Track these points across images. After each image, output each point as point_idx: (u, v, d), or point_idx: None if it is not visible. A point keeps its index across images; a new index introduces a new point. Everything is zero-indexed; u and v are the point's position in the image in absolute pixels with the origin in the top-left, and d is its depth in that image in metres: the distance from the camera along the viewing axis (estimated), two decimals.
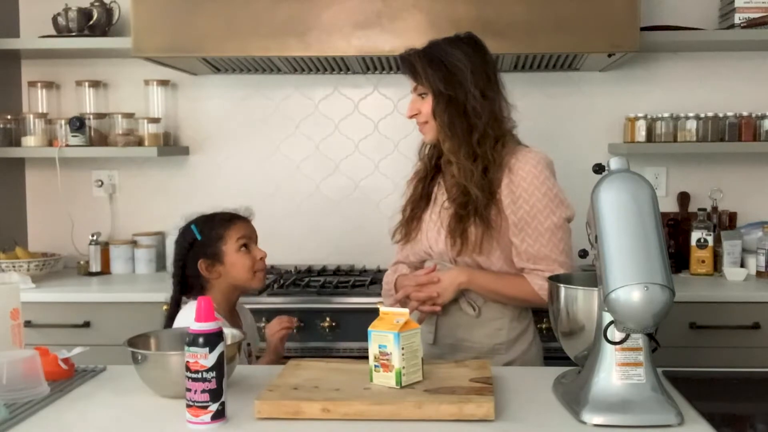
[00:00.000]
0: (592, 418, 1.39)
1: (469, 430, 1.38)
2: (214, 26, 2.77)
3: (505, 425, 1.40)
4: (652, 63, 3.20)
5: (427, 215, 2.00)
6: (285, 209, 3.28)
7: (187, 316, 1.99)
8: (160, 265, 3.26)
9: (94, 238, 3.16)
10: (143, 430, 1.43)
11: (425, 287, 1.91)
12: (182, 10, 2.78)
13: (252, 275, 1.98)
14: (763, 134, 3.01)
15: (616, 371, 1.41)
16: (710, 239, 2.99)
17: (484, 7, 2.69)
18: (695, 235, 3.00)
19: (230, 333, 1.67)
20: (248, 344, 2.03)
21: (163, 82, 3.27)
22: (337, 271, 3.13)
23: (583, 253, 1.58)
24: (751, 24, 2.92)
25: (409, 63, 1.94)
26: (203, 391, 1.38)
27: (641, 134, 3.04)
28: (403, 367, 1.52)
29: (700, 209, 3.07)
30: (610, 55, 2.82)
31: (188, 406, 1.39)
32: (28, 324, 2.63)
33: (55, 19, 3.11)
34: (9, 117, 3.19)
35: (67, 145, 3.12)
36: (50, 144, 3.16)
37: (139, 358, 1.56)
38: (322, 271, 3.13)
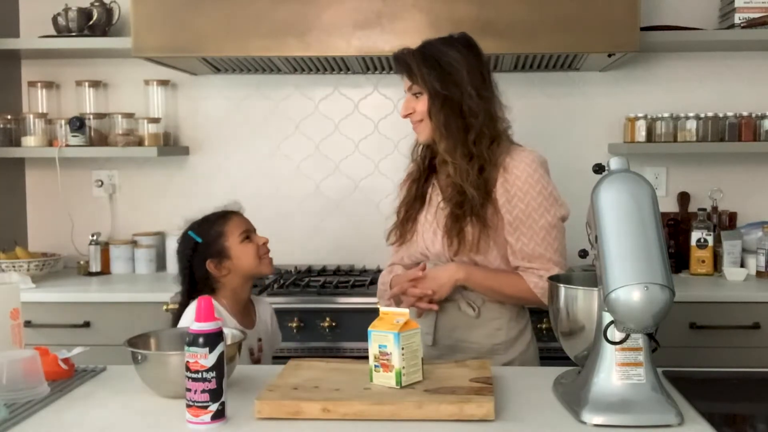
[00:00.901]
0: (592, 418, 1.39)
1: (469, 430, 1.38)
2: (214, 26, 2.77)
3: (505, 425, 1.40)
4: (652, 63, 3.20)
5: (422, 216, 1.99)
6: (285, 209, 3.28)
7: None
8: (160, 265, 3.26)
9: (94, 238, 3.16)
10: (143, 430, 1.43)
11: (420, 282, 1.90)
12: (182, 10, 2.78)
13: (259, 261, 2.02)
14: (763, 134, 3.01)
15: (616, 371, 1.41)
16: (710, 239, 2.99)
17: (484, 7, 2.69)
18: (695, 235, 3.00)
19: (230, 333, 1.67)
20: (259, 339, 2.03)
21: (163, 82, 3.27)
22: (337, 271, 3.13)
23: (583, 253, 1.58)
24: (751, 24, 2.92)
25: (404, 62, 1.94)
26: (203, 391, 1.38)
27: (641, 134, 3.04)
28: (403, 367, 1.52)
29: (700, 209, 3.07)
30: (610, 55, 2.82)
31: (188, 406, 1.39)
32: (28, 324, 2.63)
33: (55, 19, 3.11)
34: (9, 117, 3.19)
35: (67, 145, 3.12)
36: (50, 144, 3.16)
37: (139, 358, 1.56)
38: (322, 271, 3.13)
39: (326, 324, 2.65)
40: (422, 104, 1.93)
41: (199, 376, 1.38)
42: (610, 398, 1.40)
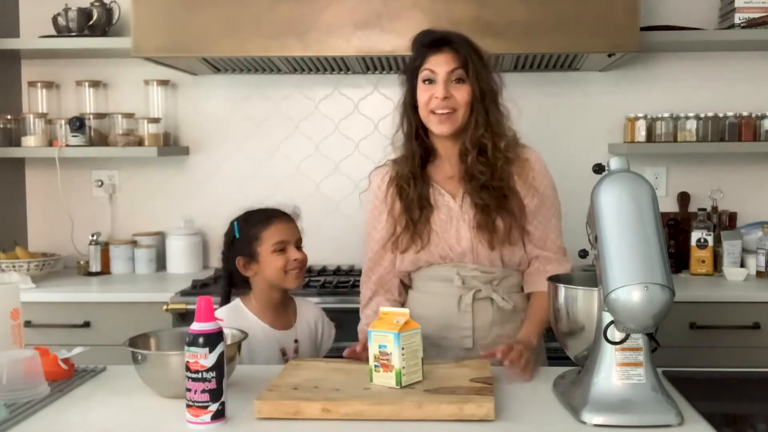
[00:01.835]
0: (592, 418, 1.39)
1: (469, 430, 1.38)
2: (214, 26, 2.77)
3: (505, 425, 1.40)
4: (652, 63, 3.20)
5: (434, 218, 1.92)
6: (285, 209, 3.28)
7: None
8: (160, 265, 3.26)
9: (94, 238, 3.16)
10: (143, 430, 1.43)
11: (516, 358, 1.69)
12: (182, 10, 2.78)
13: (284, 275, 1.97)
14: (763, 134, 3.01)
15: (616, 371, 1.41)
16: (710, 239, 2.99)
17: (484, 7, 2.69)
18: (695, 235, 3.00)
19: (230, 333, 1.67)
20: (295, 341, 2.00)
21: (163, 82, 3.27)
22: (337, 271, 3.13)
23: (583, 253, 1.59)
24: (751, 24, 2.92)
25: (460, 46, 1.87)
26: (203, 391, 1.38)
27: (641, 134, 3.04)
28: (403, 367, 1.52)
29: (700, 209, 3.07)
30: (610, 55, 2.82)
31: (188, 406, 1.39)
32: (28, 324, 2.62)
33: (55, 19, 3.11)
34: (9, 117, 3.19)
35: (67, 145, 3.12)
36: (50, 144, 3.16)
37: (139, 358, 1.56)
38: (322, 271, 3.13)
39: None
40: (463, 93, 1.86)
41: (199, 376, 1.38)
42: (610, 398, 1.40)
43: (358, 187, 3.30)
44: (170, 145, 3.28)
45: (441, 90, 1.84)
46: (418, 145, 1.94)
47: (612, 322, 1.40)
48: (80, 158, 3.25)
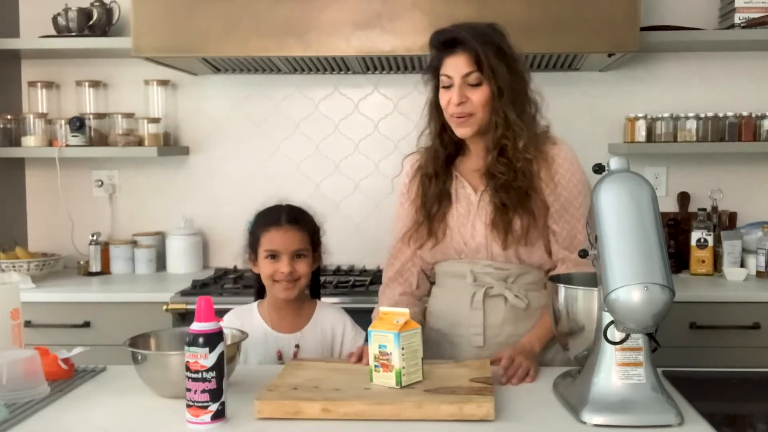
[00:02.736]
0: (592, 418, 1.39)
1: (469, 430, 1.38)
2: (214, 26, 2.77)
3: (505, 425, 1.40)
4: (652, 63, 3.20)
5: (452, 212, 1.90)
6: None
7: (226, 322, 2.00)
8: (160, 265, 3.26)
9: (94, 238, 3.16)
10: (143, 430, 1.43)
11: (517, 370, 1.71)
12: (182, 10, 2.78)
13: (272, 284, 1.95)
14: (763, 134, 3.01)
15: (616, 371, 1.41)
16: (710, 239, 2.99)
17: (484, 7, 2.69)
18: (695, 235, 3.00)
19: (230, 333, 1.67)
20: (296, 346, 1.97)
21: (163, 82, 3.27)
22: (337, 271, 3.13)
23: (583, 253, 1.58)
24: (751, 24, 2.92)
25: (470, 48, 1.80)
26: (203, 391, 1.38)
27: (641, 134, 3.04)
28: (403, 367, 1.52)
29: (700, 209, 3.07)
30: (610, 55, 2.82)
31: (188, 406, 1.39)
32: (28, 324, 2.62)
33: (55, 19, 3.11)
34: (9, 117, 3.19)
35: (67, 145, 3.12)
36: (50, 144, 3.16)
37: (139, 358, 1.56)
38: (322, 271, 3.12)
39: None
40: (480, 95, 1.81)
41: (199, 376, 1.38)
42: (610, 398, 1.40)
43: (358, 187, 3.31)
44: (170, 145, 3.28)
45: (456, 96, 1.81)
46: (442, 144, 1.93)
47: (612, 322, 1.40)
48: (80, 158, 3.25)
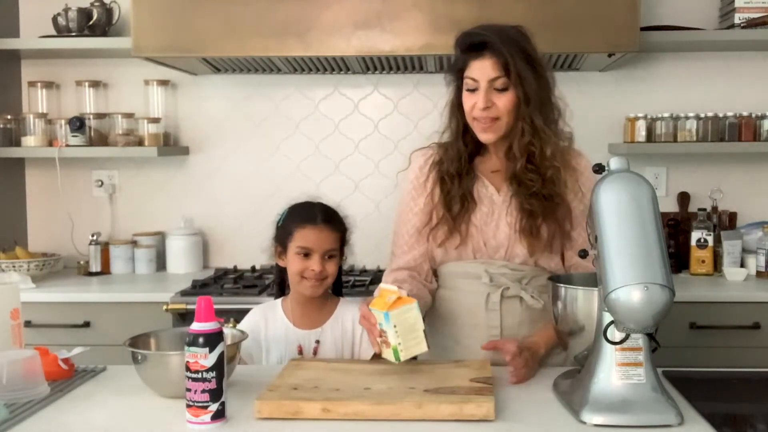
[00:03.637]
0: (592, 418, 1.39)
1: (469, 430, 1.38)
2: (214, 26, 2.77)
3: (505, 425, 1.40)
4: (652, 63, 3.20)
5: (476, 213, 1.88)
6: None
7: (251, 319, 2.03)
8: (160, 265, 3.26)
9: (94, 238, 3.16)
10: (143, 430, 1.43)
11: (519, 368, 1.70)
12: (182, 10, 2.78)
13: (300, 280, 1.95)
14: (763, 134, 3.01)
15: (616, 371, 1.41)
16: (710, 239, 2.99)
17: (484, 7, 2.68)
18: (695, 235, 3.00)
19: (230, 333, 1.67)
20: (316, 341, 1.97)
21: (163, 82, 3.27)
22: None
23: (583, 253, 1.59)
24: (751, 24, 2.92)
25: (498, 53, 1.77)
26: (203, 391, 1.38)
27: (641, 134, 3.04)
28: (399, 344, 1.54)
29: (700, 209, 3.07)
30: (610, 55, 2.82)
31: (188, 406, 1.39)
32: (28, 324, 2.62)
33: (55, 19, 3.11)
34: (9, 117, 3.19)
35: (67, 145, 3.13)
36: (50, 144, 3.16)
37: (139, 358, 1.56)
38: None
39: None
40: (506, 101, 1.78)
41: (199, 376, 1.38)
42: (610, 398, 1.40)
43: (358, 187, 3.31)
44: (170, 145, 3.28)
45: (482, 100, 1.78)
46: (465, 144, 1.90)
47: (612, 322, 1.40)
48: (80, 158, 3.25)
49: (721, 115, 3.03)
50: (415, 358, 1.62)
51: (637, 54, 2.87)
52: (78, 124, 3.12)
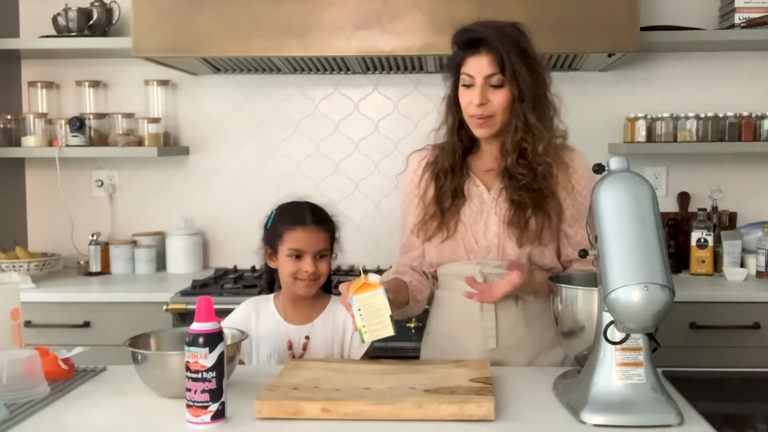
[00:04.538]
0: (592, 418, 1.39)
1: (469, 430, 1.38)
2: (214, 26, 2.77)
3: (505, 425, 1.40)
4: (652, 63, 3.20)
5: (465, 209, 1.89)
6: None
7: (243, 310, 2.04)
8: (160, 265, 3.26)
9: (94, 238, 3.16)
10: (143, 430, 1.43)
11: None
12: (182, 10, 2.78)
13: (293, 281, 1.96)
14: (763, 134, 3.01)
15: (616, 371, 1.41)
16: (710, 239, 2.99)
17: (484, 7, 2.68)
18: (695, 235, 3.00)
19: (230, 333, 1.67)
20: (306, 337, 1.97)
21: (163, 82, 3.27)
22: (337, 271, 3.13)
23: (583, 253, 1.58)
24: (751, 24, 2.92)
25: (494, 48, 1.78)
26: (203, 391, 1.38)
27: (641, 134, 3.04)
28: (363, 326, 1.61)
29: (700, 209, 3.07)
30: (610, 55, 2.82)
31: (188, 406, 1.39)
32: (28, 324, 2.62)
33: (55, 19, 3.11)
34: (9, 117, 3.19)
35: (67, 145, 3.13)
36: (50, 144, 3.16)
37: (139, 358, 1.56)
38: None
39: None
40: (501, 98, 1.80)
41: (199, 376, 1.38)
42: (610, 398, 1.40)
43: (358, 187, 3.31)
44: (170, 145, 3.28)
45: (477, 96, 1.80)
46: (460, 139, 1.92)
47: (612, 322, 1.40)
48: (80, 158, 3.25)
49: (721, 115, 3.03)
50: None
51: (637, 54, 2.86)
52: (78, 124, 3.12)
